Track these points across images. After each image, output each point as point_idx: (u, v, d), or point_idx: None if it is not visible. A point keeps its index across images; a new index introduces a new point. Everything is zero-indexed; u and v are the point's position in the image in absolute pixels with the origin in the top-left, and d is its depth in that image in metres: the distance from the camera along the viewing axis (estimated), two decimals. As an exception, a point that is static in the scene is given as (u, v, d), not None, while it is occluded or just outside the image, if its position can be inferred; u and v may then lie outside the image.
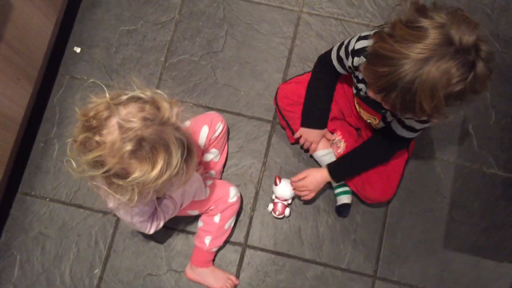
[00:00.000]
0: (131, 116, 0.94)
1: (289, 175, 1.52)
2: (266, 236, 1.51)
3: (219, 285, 1.44)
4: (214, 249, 1.44)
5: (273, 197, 1.49)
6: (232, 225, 1.45)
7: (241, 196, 1.48)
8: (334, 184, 1.45)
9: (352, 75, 1.27)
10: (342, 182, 1.45)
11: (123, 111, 0.95)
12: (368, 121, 1.34)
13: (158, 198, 1.29)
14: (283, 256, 1.49)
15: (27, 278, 1.48)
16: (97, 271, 1.48)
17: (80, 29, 1.69)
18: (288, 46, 1.65)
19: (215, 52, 1.65)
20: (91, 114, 0.95)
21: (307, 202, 1.51)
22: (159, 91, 1.06)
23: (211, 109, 1.59)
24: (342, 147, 1.46)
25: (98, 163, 0.95)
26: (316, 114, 1.41)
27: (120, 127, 0.93)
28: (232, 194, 1.40)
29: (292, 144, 1.56)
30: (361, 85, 1.23)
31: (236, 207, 1.42)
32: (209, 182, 1.41)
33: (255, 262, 1.49)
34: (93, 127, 0.95)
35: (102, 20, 1.70)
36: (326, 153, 1.47)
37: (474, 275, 1.47)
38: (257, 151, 1.57)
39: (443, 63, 0.88)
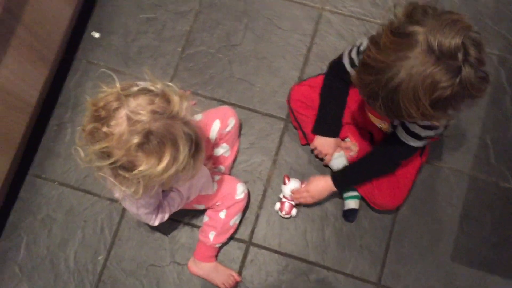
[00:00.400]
0: (140, 109, 0.93)
1: (298, 175, 1.51)
2: (271, 235, 1.50)
3: (221, 280, 1.44)
4: (218, 245, 1.43)
5: (281, 196, 1.48)
6: (237, 222, 1.44)
7: (248, 193, 1.47)
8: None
9: None
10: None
11: (133, 103, 0.94)
12: (379, 126, 1.32)
13: (164, 191, 1.28)
14: (287, 257, 1.48)
15: (32, 260, 1.49)
16: (101, 257, 1.49)
17: (99, 14, 1.69)
18: (307, 43, 1.62)
19: (233, 45, 1.63)
20: (101, 104, 0.95)
21: (315, 204, 1.49)
22: (170, 84, 1.05)
23: (225, 103, 1.58)
24: (355, 151, 1.44)
25: (105, 154, 0.94)
26: (328, 122, 1.38)
27: (129, 119, 0.92)
28: (240, 191, 1.39)
29: (303, 145, 1.54)
30: None
31: (243, 204, 1.41)
32: (217, 178, 1.40)
33: (259, 260, 1.48)
34: (102, 117, 0.94)
35: (122, 6, 1.69)
36: (336, 157, 1.44)
37: (481, 290, 1.44)
38: (268, 148, 1.55)
39: (425, 70, 0.86)
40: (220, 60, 1.62)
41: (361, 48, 1.17)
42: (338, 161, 1.45)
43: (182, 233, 1.50)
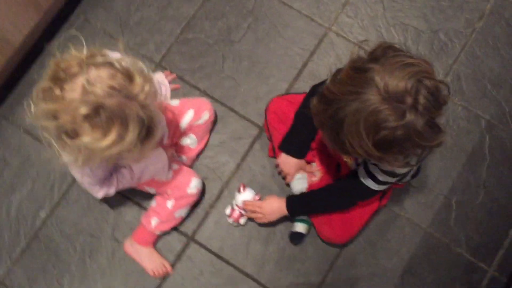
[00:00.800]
0: (98, 81, 0.92)
1: (258, 186, 1.49)
2: (215, 237, 1.48)
3: (152, 267, 1.43)
4: (158, 232, 1.42)
5: (233, 203, 1.46)
6: (183, 215, 1.43)
7: (203, 190, 1.46)
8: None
9: None
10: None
11: (93, 73, 0.92)
12: (345, 159, 1.30)
13: (117, 165, 1.27)
14: (224, 262, 1.47)
15: (-24, 198, 1.48)
16: (43, 214, 1.48)
17: (109, -25, 1.67)
18: (304, 59, 1.60)
19: (232, 41, 1.61)
20: (62, 65, 0.93)
21: (265, 225, 1.47)
22: (141, 64, 1.03)
23: (207, 95, 1.56)
24: (317, 177, 1.42)
25: (51, 116, 0.93)
26: (296, 142, 1.36)
27: (84, 88, 0.91)
28: (193, 185, 1.38)
29: (270, 157, 1.52)
30: None
31: (192, 199, 1.40)
32: (175, 166, 1.39)
33: (195, 258, 1.47)
34: (59, 78, 0.92)
35: (134, -28, 1.67)
36: (298, 178, 1.43)
37: None
38: (236, 151, 1.53)
39: (371, 108, 0.85)
40: (214, 52, 1.60)
41: None
42: (299, 182, 1.43)
43: (129, 211, 1.49)
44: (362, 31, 1.62)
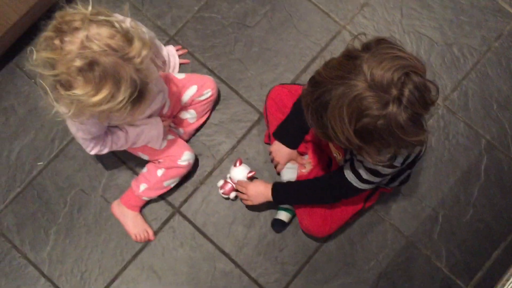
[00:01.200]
0: (97, 38, 0.96)
1: (250, 167, 1.51)
2: (200, 212, 1.51)
3: (135, 232, 1.47)
4: (146, 198, 1.46)
5: (227, 176, 1.48)
6: (172, 185, 1.46)
7: (195, 166, 1.49)
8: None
9: None
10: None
11: (94, 30, 0.97)
12: (334, 155, 1.31)
13: (114, 126, 1.31)
14: (205, 238, 1.50)
15: (-20, 139, 1.55)
16: (40, 163, 1.53)
17: None
18: (314, 53, 1.61)
19: (246, 25, 1.63)
20: (66, 18, 0.97)
21: (251, 207, 1.50)
22: (144, 29, 1.07)
23: (214, 75, 1.59)
24: (307, 169, 1.44)
25: (49, 64, 0.97)
26: (290, 132, 1.38)
27: (82, 43, 0.95)
28: (184, 158, 1.41)
29: (266, 143, 1.54)
30: None
31: (182, 171, 1.43)
32: (170, 137, 1.42)
33: (178, 229, 1.50)
34: (61, 30, 0.97)
35: None
36: (289, 167, 1.45)
37: None
38: (233, 133, 1.56)
39: (356, 93, 0.86)
40: (227, 34, 1.63)
41: None
42: (289, 172, 1.45)
43: (122, 174, 1.53)
44: (376, 33, 1.62)
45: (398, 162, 1.08)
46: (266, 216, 1.51)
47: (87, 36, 0.95)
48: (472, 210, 1.52)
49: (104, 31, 0.97)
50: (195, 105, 1.48)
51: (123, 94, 0.99)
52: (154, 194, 1.46)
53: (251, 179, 1.46)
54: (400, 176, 1.28)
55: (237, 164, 1.46)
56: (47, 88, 1.00)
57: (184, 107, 1.48)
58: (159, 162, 1.42)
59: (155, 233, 1.50)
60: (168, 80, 1.43)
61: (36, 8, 1.51)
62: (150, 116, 1.36)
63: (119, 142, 1.32)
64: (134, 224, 1.47)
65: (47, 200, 1.51)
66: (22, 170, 1.53)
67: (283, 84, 1.47)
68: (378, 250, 1.49)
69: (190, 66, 1.60)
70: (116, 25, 0.98)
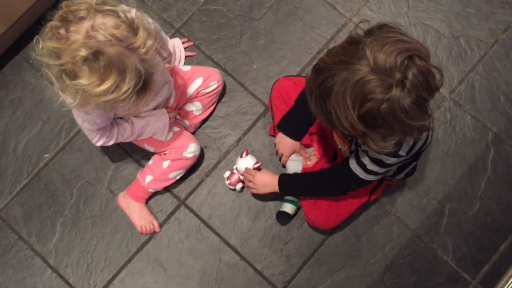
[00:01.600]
0: (103, 28, 0.96)
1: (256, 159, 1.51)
2: (206, 204, 1.52)
3: (141, 223, 1.47)
4: (151, 190, 1.46)
5: (234, 167, 1.49)
6: (178, 177, 1.46)
7: (200, 158, 1.49)
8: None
9: None
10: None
11: (99, 19, 0.97)
12: (339, 146, 1.31)
13: (120, 118, 1.32)
14: (211, 230, 1.50)
15: (-13, 130, 1.56)
16: (47, 156, 1.54)
17: None
18: (320, 45, 1.61)
19: (252, 18, 1.63)
20: (72, 8, 0.98)
21: (257, 196, 1.50)
22: (149, 20, 1.07)
23: (220, 67, 1.59)
24: (312, 161, 1.43)
25: (54, 54, 0.98)
26: (294, 123, 1.38)
27: (87, 32, 0.95)
28: (190, 150, 1.41)
29: (271, 136, 1.54)
30: None
31: (188, 163, 1.43)
32: (176, 129, 1.43)
33: (184, 222, 1.51)
34: (67, 20, 0.97)
35: None
36: (294, 159, 1.44)
37: None
38: (239, 125, 1.56)
39: (359, 78, 0.85)
40: (233, 27, 1.63)
41: None
42: (294, 164, 1.45)
43: (128, 166, 1.54)
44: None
45: (403, 151, 1.07)
46: (271, 209, 1.51)
47: (92, 26, 0.95)
48: (479, 203, 1.51)
49: (109, 21, 0.97)
50: (200, 97, 1.49)
51: (128, 84, 0.99)
52: (160, 186, 1.46)
53: (258, 169, 1.46)
54: (406, 168, 1.27)
55: (244, 155, 1.46)
56: (53, 78, 1.00)
57: (190, 99, 1.48)
58: (164, 154, 1.42)
59: (161, 225, 1.50)
60: (174, 72, 1.43)
61: (44, 0, 1.51)
62: (155, 108, 1.36)
63: (125, 134, 1.32)
64: (139, 216, 1.47)
65: (53, 192, 1.52)
66: (29, 162, 1.54)
67: (288, 76, 1.47)
68: (384, 243, 1.49)
69: (196, 59, 1.60)
70: (121, 15, 0.98)
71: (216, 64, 1.59)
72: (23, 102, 1.58)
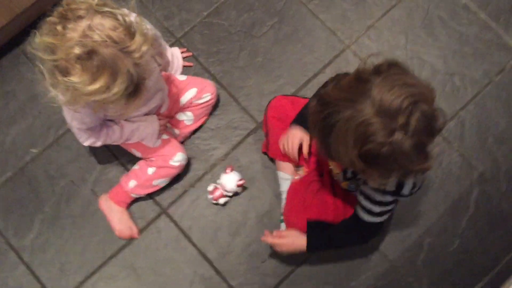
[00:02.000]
0: (100, 28, 0.97)
1: (242, 175, 1.50)
2: (188, 215, 1.51)
3: (119, 228, 1.47)
4: (134, 195, 1.46)
5: (218, 182, 1.49)
6: (162, 185, 1.46)
7: (186, 168, 1.50)
8: None
9: None
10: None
11: (97, 20, 0.98)
12: (330, 167, 1.31)
13: (111, 120, 1.32)
14: (189, 242, 1.49)
15: (-23, 121, 1.56)
16: (34, 150, 1.54)
17: None
18: (316, 69, 1.62)
19: (252, 35, 1.65)
20: (72, 6, 0.99)
21: (244, 213, 1.50)
22: (148, 26, 1.08)
23: (215, 80, 1.60)
24: (300, 175, 1.43)
25: (49, 49, 0.98)
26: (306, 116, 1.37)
27: (84, 31, 0.96)
28: (176, 159, 1.41)
29: (263, 153, 1.55)
30: None
31: (173, 171, 1.43)
32: (165, 137, 1.43)
33: (163, 230, 1.50)
34: (66, 17, 0.98)
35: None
36: (287, 178, 1.45)
37: None
38: (228, 140, 1.57)
39: (363, 119, 0.86)
40: (233, 42, 1.64)
41: None
42: (286, 183, 1.45)
43: (113, 169, 1.53)
44: (377, 58, 1.63)
45: (406, 190, 1.08)
46: (252, 226, 1.51)
47: (89, 26, 0.96)
48: (458, 240, 1.51)
49: (107, 22, 0.98)
50: (193, 108, 1.49)
51: (118, 87, 1.00)
52: (143, 192, 1.46)
53: (241, 186, 1.46)
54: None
55: (228, 171, 1.46)
56: (45, 72, 1.01)
57: (182, 109, 1.49)
58: (151, 160, 1.42)
59: (140, 231, 1.49)
60: (169, 80, 1.44)
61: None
62: (147, 114, 1.37)
63: (113, 136, 1.32)
64: (119, 220, 1.47)
65: (36, 188, 1.52)
66: (15, 155, 1.53)
67: (285, 95, 1.48)
68: (360, 271, 1.48)
69: (193, 69, 1.61)
70: (120, 17, 0.99)
71: (213, 77, 1.61)
72: (16, 95, 1.58)
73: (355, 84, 0.90)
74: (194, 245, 1.49)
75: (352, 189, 1.28)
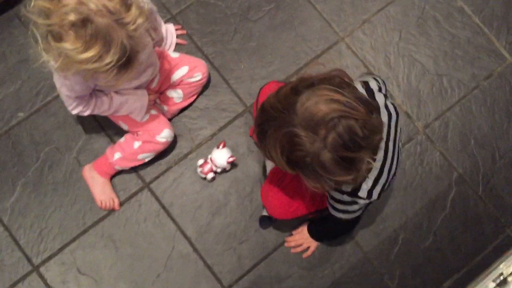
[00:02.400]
0: None
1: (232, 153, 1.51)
2: (169, 192, 1.53)
3: (101, 198, 1.48)
4: (118, 167, 1.47)
5: (209, 157, 1.50)
6: (146, 160, 1.47)
7: (172, 144, 1.51)
8: None
9: None
10: None
11: None
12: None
13: (100, 91, 1.32)
14: (169, 217, 1.51)
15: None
16: (21, 114, 1.54)
17: None
18: (308, 58, 1.64)
19: (248, 19, 1.65)
20: None
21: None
22: (148, 1, 1.08)
23: (208, 60, 1.61)
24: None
25: (44, 14, 0.98)
26: None
27: None
28: (163, 135, 1.42)
29: (250, 137, 1.56)
30: None
31: (159, 147, 1.45)
32: (153, 112, 1.44)
33: (144, 204, 1.51)
34: None
35: None
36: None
37: None
38: (216, 121, 1.58)
39: (287, 129, 0.91)
40: (228, 24, 1.65)
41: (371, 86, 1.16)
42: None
43: (99, 140, 1.54)
44: (371, 51, 1.65)
45: (363, 194, 1.09)
46: (232, 207, 1.53)
47: (87, -6, 0.96)
48: (432, 238, 1.55)
49: (105, -7, 0.98)
50: (183, 86, 1.50)
51: (111, 57, 1.00)
52: (127, 164, 1.47)
53: (231, 164, 1.49)
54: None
55: (220, 146, 1.48)
56: (38, 37, 1.01)
57: (172, 86, 1.50)
58: (137, 134, 1.43)
59: (121, 203, 1.51)
60: (162, 56, 1.45)
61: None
62: (137, 88, 1.37)
63: (102, 107, 1.33)
64: (101, 191, 1.48)
65: (20, 152, 1.52)
66: (1, 118, 1.53)
67: (278, 81, 1.49)
68: (334, 259, 1.52)
69: (186, 48, 1.61)
70: (117, -10, 1.00)
71: (205, 57, 1.61)
72: (7, 58, 1.57)
73: (290, 95, 0.94)
74: (173, 221, 1.51)
75: None
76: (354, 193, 1.09)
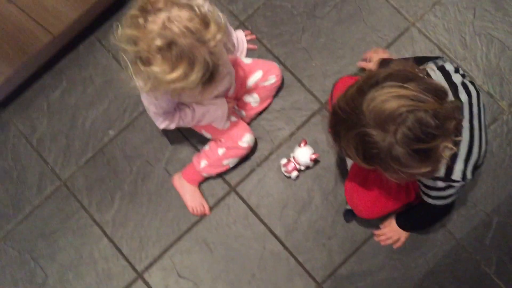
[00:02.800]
0: (178, 20, 1.02)
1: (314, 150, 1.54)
2: (255, 193, 1.58)
3: (192, 205, 1.55)
4: (205, 174, 1.54)
5: (291, 155, 1.54)
6: (231, 165, 1.53)
7: (254, 148, 1.55)
8: None
9: None
10: None
11: (175, 12, 1.03)
12: None
13: (183, 104, 1.39)
14: (257, 218, 1.56)
15: (60, 104, 1.67)
16: (112, 132, 1.65)
17: None
18: (380, 48, 1.62)
19: (315, 16, 1.66)
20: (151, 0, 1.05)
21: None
22: (220, 14, 1.13)
23: (279, 62, 1.63)
24: None
25: (132, 41, 1.05)
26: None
27: (164, 23, 1.02)
28: (245, 139, 1.47)
29: (329, 132, 1.57)
30: None
31: (242, 152, 1.50)
32: (233, 119, 1.49)
33: (233, 207, 1.58)
34: (146, 10, 1.04)
35: None
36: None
37: None
38: (293, 120, 1.61)
39: (359, 129, 0.92)
40: (296, 23, 1.66)
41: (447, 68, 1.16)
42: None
43: (184, 150, 1.62)
44: (445, 33, 1.60)
45: (457, 176, 1.09)
46: (317, 204, 1.55)
47: (168, 18, 1.02)
48: (529, 221, 1.49)
49: (184, 14, 1.04)
50: (259, 90, 1.54)
51: (196, 74, 1.05)
52: (213, 171, 1.53)
53: (314, 160, 1.52)
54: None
55: (302, 144, 1.51)
56: (128, 62, 1.08)
57: (248, 91, 1.54)
58: (220, 141, 1.49)
59: (211, 208, 1.58)
60: (235, 63, 1.49)
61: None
62: (216, 97, 1.43)
63: (186, 119, 1.39)
64: (192, 198, 1.55)
65: (114, 167, 1.63)
66: (95, 137, 1.65)
67: (351, 75, 1.49)
68: (427, 249, 1.50)
69: (257, 52, 1.65)
70: (196, 8, 1.04)
71: (276, 59, 1.64)
72: (93, 81, 1.69)
73: (356, 95, 0.95)
74: (262, 221, 1.56)
75: None
76: (447, 177, 1.09)
